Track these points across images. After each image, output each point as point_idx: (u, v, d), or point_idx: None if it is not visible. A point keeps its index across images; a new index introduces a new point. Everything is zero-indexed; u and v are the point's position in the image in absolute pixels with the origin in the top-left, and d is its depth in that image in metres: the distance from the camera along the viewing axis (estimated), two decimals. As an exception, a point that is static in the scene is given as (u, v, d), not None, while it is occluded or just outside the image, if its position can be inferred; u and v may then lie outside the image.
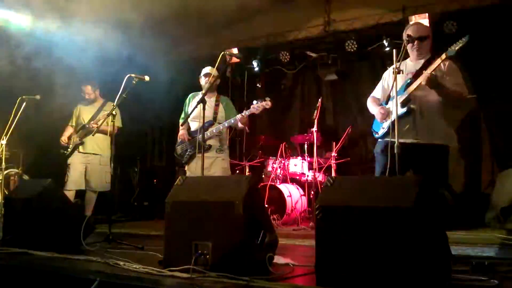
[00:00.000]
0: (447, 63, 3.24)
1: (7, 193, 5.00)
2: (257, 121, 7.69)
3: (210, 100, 4.40)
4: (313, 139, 5.63)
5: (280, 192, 5.53)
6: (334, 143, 5.89)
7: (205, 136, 4.33)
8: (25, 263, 2.87)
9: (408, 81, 3.31)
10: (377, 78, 3.74)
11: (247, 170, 6.36)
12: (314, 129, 5.60)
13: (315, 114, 5.60)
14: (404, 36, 3.36)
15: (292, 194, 5.65)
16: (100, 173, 5.27)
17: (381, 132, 3.45)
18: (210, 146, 4.36)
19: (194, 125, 4.52)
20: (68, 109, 5.59)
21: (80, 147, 5.30)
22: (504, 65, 5.42)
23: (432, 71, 3.14)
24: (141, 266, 2.56)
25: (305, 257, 3.00)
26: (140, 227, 5.62)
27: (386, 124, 3.36)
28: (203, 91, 4.52)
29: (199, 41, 7.23)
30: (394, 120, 3.07)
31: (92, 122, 5.24)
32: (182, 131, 4.58)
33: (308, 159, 5.99)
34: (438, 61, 3.16)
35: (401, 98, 3.26)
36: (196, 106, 3.95)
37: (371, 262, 2.04)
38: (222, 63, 4.04)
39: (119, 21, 5.06)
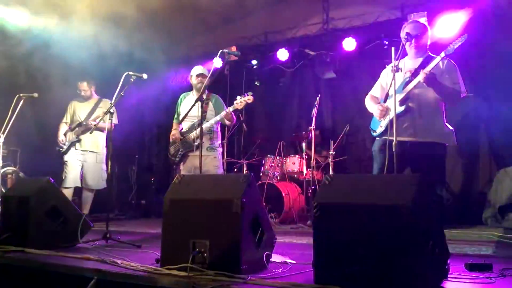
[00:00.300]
0: (445, 61, 3.25)
1: (4, 191, 4.97)
2: (255, 119, 7.70)
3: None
4: (311, 137, 5.63)
5: (278, 190, 5.53)
6: (332, 141, 5.88)
7: (194, 135, 4.39)
8: (22, 261, 2.86)
9: (407, 79, 3.31)
10: (375, 76, 3.74)
11: (245, 168, 6.36)
12: (312, 127, 5.60)
13: (313, 112, 5.60)
14: (402, 34, 3.36)
15: (290, 192, 5.65)
16: (97, 171, 5.27)
17: (379, 130, 3.45)
18: (200, 145, 4.40)
19: (185, 125, 4.57)
20: (66, 107, 5.57)
21: (77, 144, 5.28)
22: (503, 63, 5.42)
23: (430, 69, 3.14)
24: (138, 265, 2.56)
25: (302, 255, 3.00)
26: (137, 225, 5.61)
27: (384, 123, 3.36)
28: (195, 91, 4.58)
29: (196, 39, 7.22)
30: (392, 118, 3.07)
31: (89, 119, 5.23)
32: (173, 131, 4.65)
33: (306, 157, 5.99)
34: (437, 59, 3.16)
35: (399, 97, 3.26)
36: (193, 105, 4.03)
37: (368, 260, 2.03)
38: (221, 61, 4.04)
39: (115, 17, 5.04)
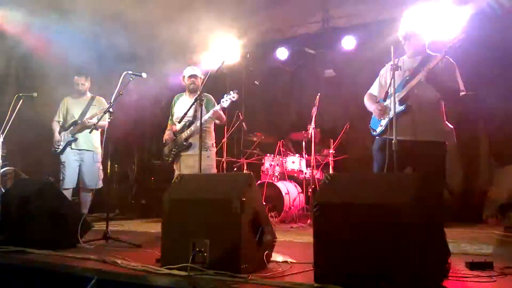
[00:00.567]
0: (444, 60, 3.24)
1: (3, 191, 4.95)
2: (255, 118, 7.69)
3: (192, 100, 4.49)
4: (311, 136, 5.62)
5: (278, 190, 5.52)
6: (332, 140, 5.88)
7: (186, 134, 4.43)
8: (22, 261, 2.86)
9: (407, 78, 3.31)
10: (375, 75, 3.73)
11: (245, 167, 6.36)
12: (312, 126, 5.59)
13: (313, 111, 5.59)
14: (401, 33, 3.35)
15: (290, 191, 5.64)
16: (94, 170, 5.21)
17: (379, 129, 3.44)
18: (190, 144, 4.47)
19: (179, 125, 4.60)
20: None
21: (73, 143, 5.18)
22: (502, 61, 5.42)
23: (431, 67, 3.14)
24: (138, 264, 2.56)
25: (303, 254, 3.00)
26: (137, 225, 5.61)
27: (384, 122, 3.35)
28: (188, 91, 4.66)
29: (196, 38, 7.20)
30: (392, 117, 3.06)
31: (87, 118, 5.15)
32: (167, 132, 4.70)
33: (306, 156, 5.98)
34: (437, 59, 3.15)
35: (399, 96, 3.25)
36: (192, 104, 4.12)
37: (369, 259, 2.03)
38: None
39: (115, 15, 5.03)
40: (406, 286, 1.92)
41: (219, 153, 6.31)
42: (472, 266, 2.48)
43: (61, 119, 5.34)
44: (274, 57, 6.92)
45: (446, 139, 3.27)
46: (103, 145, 4.01)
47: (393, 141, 2.99)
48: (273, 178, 5.90)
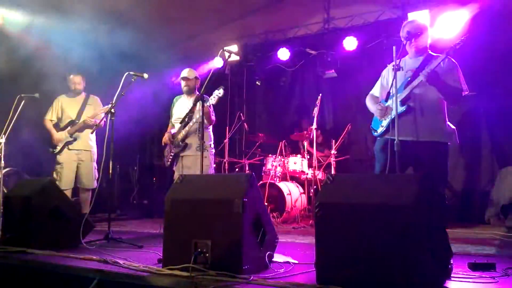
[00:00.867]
0: (446, 60, 3.23)
1: (6, 191, 4.94)
2: (257, 119, 7.70)
3: (189, 101, 4.51)
4: (313, 137, 5.62)
5: (279, 190, 5.52)
6: (333, 140, 5.88)
7: (181, 135, 4.44)
8: (24, 261, 2.86)
9: (408, 79, 3.30)
10: (376, 76, 3.72)
11: (247, 168, 6.36)
12: (314, 126, 5.59)
13: (314, 112, 5.59)
14: (403, 33, 3.35)
15: (292, 192, 5.64)
16: (91, 169, 5.19)
17: (380, 130, 3.44)
18: (186, 145, 4.48)
19: (177, 126, 4.62)
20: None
21: (70, 144, 5.13)
22: (505, 61, 5.41)
23: (433, 68, 3.13)
24: (140, 265, 2.56)
25: (304, 255, 3.00)
26: (139, 225, 5.61)
27: (386, 122, 3.35)
28: (184, 93, 4.70)
29: (197, 39, 7.21)
30: (394, 118, 3.06)
31: (89, 116, 5.12)
32: (166, 134, 4.71)
33: (308, 157, 5.98)
34: (439, 59, 3.15)
35: (401, 96, 3.25)
36: (194, 104, 4.10)
37: (371, 260, 2.03)
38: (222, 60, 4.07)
39: (115, 13, 5.03)
40: (410, 287, 1.91)
41: (221, 154, 6.32)
42: (474, 267, 2.47)
43: (55, 118, 5.25)
44: (276, 57, 6.92)
45: (448, 139, 3.26)
46: (105, 145, 4.00)
47: (395, 142, 2.98)
48: (275, 179, 5.89)
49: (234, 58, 4.57)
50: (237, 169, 6.49)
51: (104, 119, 4.49)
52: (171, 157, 4.60)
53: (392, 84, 3.12)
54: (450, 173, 3.47)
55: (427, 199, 2.12)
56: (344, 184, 2.31)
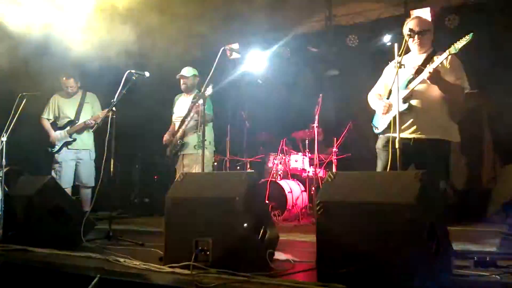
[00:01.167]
0: (449, 57, 3.22)
1: (7, 189, 4.95)
2: (258, 117, 7.67)
3: (188, 99, 4.50)
4: (314, 134, 5.61)
5: (281, 188, 5.52)
6: (335, 138, 5.87)
7: (179, 134, 4.45)
8: (25, 260, 2.86)
9: (410, 77, 3.29)
10: (378, 73, 3.71)
11: (248, 166, 6.35)
12: (315, 124, 5.58)
13: (316, 110, 5.57)
14: (405, 30, 3.33)
15: (293, 190, 5.63)
16: (90, 168, 5.20)
17: (381, 127, 3.43)
18: (183, 144, 4.50)
19: (177, 125, 4.61)
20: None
21: (70, 143, 5.14)
22: (507, 59, 5.38)
23: (435, 67, 3.12)
24: (141, 263, 2.56)
25: (306, 253, 2.99)
26: (140, 223, 5.61)
27: (387, 120, 3.34)
28: (183, 92, 4.71)
29: (197, 37, 7.19)
30: (396, 115, 3.05)
31: (90, 119, 5.12)
32: (166, 134, 4.75)
33: (309, 154, 5.97)
34: (441, 58, 3.13)
35: (403, 94, 3.24)
36: (194, 103, 4.27)
37: (372, 258, 2.02)
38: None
39: (116, 13, 5.02)
40: (410, 285, 1.91)
41: (222, 152, 6.32)
42: (476, 264, 2.46)
43: (51, 117, 5.24)
44: (277, 55, 6.90)
45: (449, 137, 3.25)
46: (106, 144, 4.00)
47: (396, 139, 2.97)
48: (276, 177, 5.89)
49: (236, 56, 4.58)
50: (238, 167, 6.48)
51: (105, 118, 4.50)
52: (172, 155, 4.62)
53: (394, 81, 3.11)
54: (451, 171, 3.46)
55: (429, 197, 2.12)
56: (345, 182, 2.30)
